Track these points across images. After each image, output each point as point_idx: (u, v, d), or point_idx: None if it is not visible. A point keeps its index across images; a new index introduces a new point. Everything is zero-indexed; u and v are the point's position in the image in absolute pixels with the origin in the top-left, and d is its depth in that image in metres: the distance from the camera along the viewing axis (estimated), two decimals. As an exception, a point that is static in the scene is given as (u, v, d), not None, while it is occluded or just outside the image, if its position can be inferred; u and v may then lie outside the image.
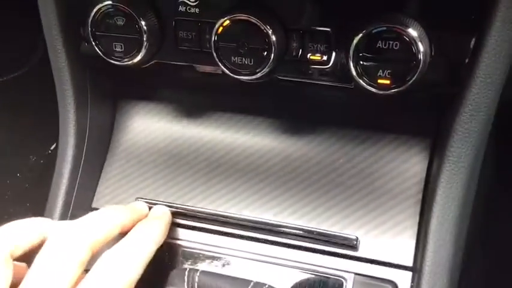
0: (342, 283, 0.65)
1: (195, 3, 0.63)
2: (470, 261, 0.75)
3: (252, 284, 0.65)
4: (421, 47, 0.55)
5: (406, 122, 0.70)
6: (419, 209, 0.68)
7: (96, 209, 0.75)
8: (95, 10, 0.63)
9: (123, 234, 0.60)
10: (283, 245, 0.69)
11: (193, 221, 0.72)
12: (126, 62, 0.65)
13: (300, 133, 0.75)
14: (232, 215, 0.71)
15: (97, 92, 0.77)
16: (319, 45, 0.61)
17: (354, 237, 0.67)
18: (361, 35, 0.56)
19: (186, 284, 0.65)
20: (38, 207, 0.99)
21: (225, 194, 0.74)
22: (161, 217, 0.68)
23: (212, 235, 0.71)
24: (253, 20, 0.58)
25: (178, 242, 0.71)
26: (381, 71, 0.57)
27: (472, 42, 0.57)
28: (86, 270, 0.55)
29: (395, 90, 0.57)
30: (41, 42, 1.05)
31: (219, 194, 0.74)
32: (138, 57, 0.64)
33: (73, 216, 0.74)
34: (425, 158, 0.70)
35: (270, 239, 0.70)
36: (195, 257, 0.70)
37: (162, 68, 0.69)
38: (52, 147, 1.18)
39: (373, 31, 0.56)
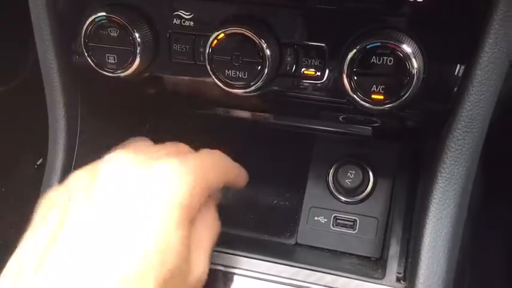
0: None
1: (189, 16, 0.63)
2: (459, 280, 0.75)
3: None
4: (414, 63, 0.55)
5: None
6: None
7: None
8: (88, 21, 0.63)
9: None
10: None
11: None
12: (118, 73, 0.65)
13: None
14: None
15: (88, 104, 0.76)
16: (313, 60, 0.61)
17: None
18: (355, 50, 0.56)
19: None
20: (23, 221, 0.97)
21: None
22: None
23: None
24: (248, 33, 0.58)
25: None
26: (374, 86, 0.57)
27: (466, 59, 0.57)
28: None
29: (390, 105, 0.57)
30: (31, 55, 1.05)
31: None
32: (131, 69, 0.64)
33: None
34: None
35: None
36: None
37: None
38: (39, 162, 1.16)
39: (367, 47, 0.56)
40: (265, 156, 0.82)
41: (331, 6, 0.58)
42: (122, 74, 0.64)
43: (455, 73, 0.57)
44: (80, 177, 0.56)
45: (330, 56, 0.60)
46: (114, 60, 0.64)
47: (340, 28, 0.59)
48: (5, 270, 0.51)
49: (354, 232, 0.78)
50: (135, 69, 0.64)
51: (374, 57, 0.56)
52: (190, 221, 0.54)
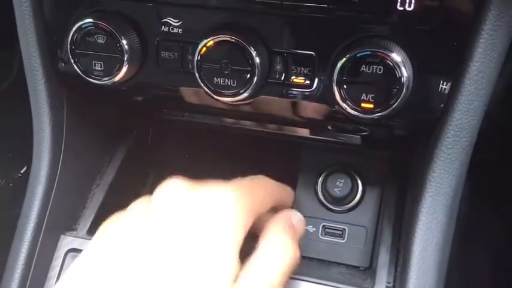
0: None
1: (178, 24, 0.62)
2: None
3: None
4: (404, 72, 0.55)
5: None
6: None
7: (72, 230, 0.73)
8: (75, 28, 0.62)
9: None
10: None
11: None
12: (105, 81, 0.64)
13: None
14: None
15: (74, 111, 0.75)
16: (302, 68, 0.61)
17: None
18: (344, 59, 0.56)
19: None
20: (6, 231, 0.95)
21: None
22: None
23: None
24: (237, 41, 0.58)
25: None
26: (364, 95, 0.57)
27: (455, 69, 0.57)
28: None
29: (379, 114, 0.57)
30: (15, 62, 1.03)
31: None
32: (118, 77, 0.63)
33: (44, 241, 0.72)
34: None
35: None
36: None
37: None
38: (23, 171, 1.14)
39: (357, 55, 0.56)
40: (253, 165, 0.82)
41: (321, 15, 0.58)
42: (109, 82, 0.63)
43: (445, 82, 0.57)
44: (139, 201, 0.58)
45: (320, 64, 0.60)
46: (101, 67, 0.63)
47: (329, 36, 0.59)
48: None
49: (342, 241, 0.78)
50: (123, 77, 0.63)
51: (364, 65, 0.56)
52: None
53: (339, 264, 0.76)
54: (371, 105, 0.57)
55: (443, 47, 0.56)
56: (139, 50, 0.63)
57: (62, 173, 0.75)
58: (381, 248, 0.70)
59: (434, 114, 0.59)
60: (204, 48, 0.59)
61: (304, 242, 0.77)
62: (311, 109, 0.63)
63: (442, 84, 0.58)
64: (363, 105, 0.57)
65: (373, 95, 0.56)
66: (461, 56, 0.56)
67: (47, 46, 0.68)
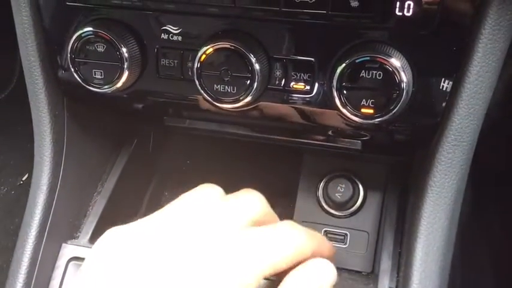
0: None
1: (177, 31, 0.62)
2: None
3: None
4: (404, 77, 0.55)
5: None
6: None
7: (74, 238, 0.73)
8: (75, 36, 0.62)
9: None
10: None
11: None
12: (105, 89, 0.64)
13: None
14: None
15: (75, 119, 0.75)
16: (302, 74, 0.61)
17: None
18: (344, 64, 0.56)
19: None
20: (8, 238, 0.95)
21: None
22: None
23: None
24: (237, 48, 0.58)
25: None
26: (364, 100, 0.57)
27: (455, 73, 0.57)
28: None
29: (379, 119, 0.57)
30: (16, 71, 1.04)
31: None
32: (118, 85, 0.63)
33: (46, 250, 0.72)
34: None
35: None
36: None
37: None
38: (24, 178, 1.14)
39: (357, 61, 0.56)
40: (254, 170, 0.82)
41: (320, 21, 0.58)
42: (109, 90, 0.63)
43: (445, 87, 0.57)
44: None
45: (319, 70, 0.60)
46: (101, 75, 0.63)
47: (329, 42, 0.59)
48: None
49: (344, 246, 0.78)
50: (123, 85, 0.63)
51: (363, 71, 0.56)
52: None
53: (340, 269, 0.76)
54: (371, 111, 0.57)
55: (442, 51, 0.56)
56: (139, 57, 0.63)
57: (63, 181, 0.75)
58: (383, 253, 0.70)
59: (434, 118, 0.59)
60: (204, 56, 0.59)
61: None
62: (311, 115, 0.63)
63: (442, 89, 0.58)
64: (363, 110, 0.57)
65: (373, 100, 0.57)
66: (461, 61, 0.56)
67: (47, 55, 0.68)
